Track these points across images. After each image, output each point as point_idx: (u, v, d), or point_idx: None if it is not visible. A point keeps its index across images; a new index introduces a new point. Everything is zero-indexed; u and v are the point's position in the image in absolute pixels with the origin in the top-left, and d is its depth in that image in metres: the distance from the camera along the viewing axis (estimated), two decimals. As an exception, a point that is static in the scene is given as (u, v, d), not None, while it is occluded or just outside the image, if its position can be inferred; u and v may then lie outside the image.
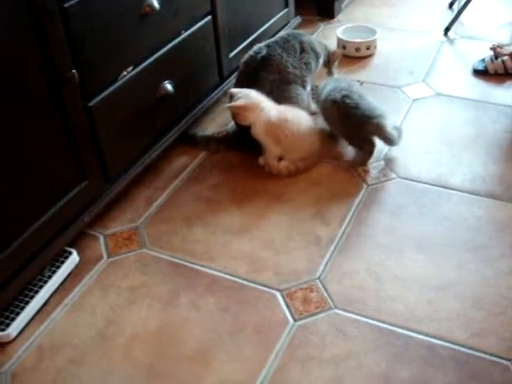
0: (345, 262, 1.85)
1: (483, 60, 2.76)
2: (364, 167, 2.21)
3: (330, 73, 2.56)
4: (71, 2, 1.65)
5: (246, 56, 2.31)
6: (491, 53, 2.76)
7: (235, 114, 2.18)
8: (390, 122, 2.18)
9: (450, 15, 3.16)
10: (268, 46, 2.28)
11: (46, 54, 1.62)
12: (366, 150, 2.21)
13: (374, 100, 2.23)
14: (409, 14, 3.33)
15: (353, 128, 2.19)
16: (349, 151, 2.27)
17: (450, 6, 3.36)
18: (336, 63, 2.57)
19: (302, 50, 2.34)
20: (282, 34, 2.44)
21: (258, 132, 2.14)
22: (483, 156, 2.23)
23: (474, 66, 2.76)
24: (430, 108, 2.52)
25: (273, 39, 2.34)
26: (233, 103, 2.13)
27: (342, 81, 2.32)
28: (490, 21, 3.20)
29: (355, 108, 2.15)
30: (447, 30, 3.08)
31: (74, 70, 1.69)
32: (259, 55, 2.26)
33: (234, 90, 2.17)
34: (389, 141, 2.18)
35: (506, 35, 3.06)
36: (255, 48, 2.31)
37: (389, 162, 2.23)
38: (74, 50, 1.70)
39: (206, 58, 2.36)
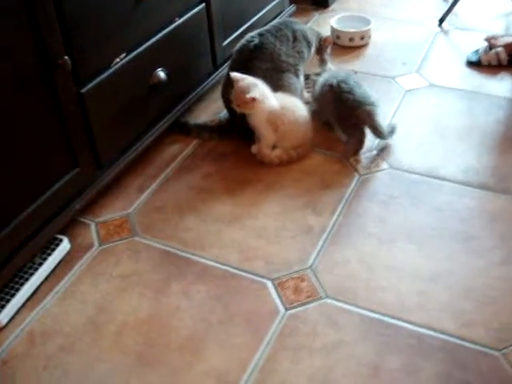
0: (336, 252, 1.85)
1: (477, 51, 2.76)
2: (356, 157, 2.21)
3: (322, 60, 2.55)
4: (64, -12, 1.64)
5: (239, 44, 2.30)
6: (485, 44, 2.76)
7: (241, 102, 2.10)
8: (382, 117, 2.19)
9: (445, 6, 3.15)
10: (261, 35, 2.27)
11: (39, 39, 1.60)
12: (356, 138, 2.21)
13: (371, 91, 2.23)
14: (403, 5, 3.33)
15: (344, 112, 2.19)
16: (341, 141, 2.27)
17: (445, -4, 3.36)
18: (328, 50, 2.56)
19: (295, 39, 2.33)
20: (274, 22, 2.42)
21: (259, 121, 2.13)
22: (476, 147, 2.23)
23: (467, 57, 2.76)
24: (424, 99, 2.52)
25: (265, 28, 2.33)
26: (251, 95, 2.06)
27: (340, 71, 2.35)
28: (484, 12, 3.20)
29: (349, 93, 2.16)
30: (441, 20, 3.08)
31: (66, 57, 1.68)
32: (252, 44, 2.25)
33: (237, 76, 2.11)
34: (377, 132, 2.18)
35: (500, 26, 3.06)
36: (247, 37, 2.29)
37: (381, 152, 2.23)
38: (66, 36, 1.69)
39: (200, 46, 2.35)
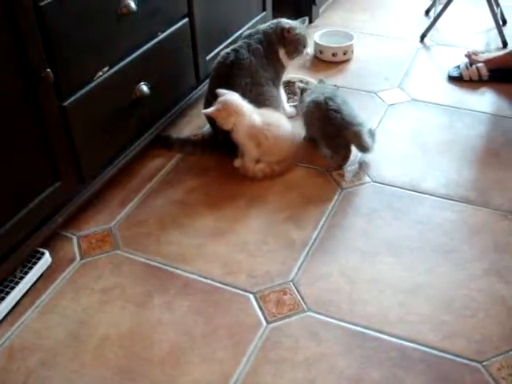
0: (318, 265, 1.85)
1: (458, 67, 2.79)
2: (338, 171, 2.22)
3: (290, 57, 2.39)
4: (47, 1, 1.64)
5: (215, 62, 2.32)
6: (466, 60, 2.79)
7: (215, 118, 2.14)
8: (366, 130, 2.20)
9: (427, 22, 3.20)
10: (235, 51, 2.27)
11: (21, 52, 1.60)
12: (342, 154, 2.23)
13: (354, 107, 2.24)
14: (386, 20, 3.36)
15: (331, 132, 2.19)
16: (324, 156, 2.28)
17: (427, 12, 3.40)
18: (307, 59, 2.55)
19: (265, 51, 2.32)
20: (244, 36, 2.39)
21: (240, 136, 2.14)
22: (457, 161, 2.25)
23: (449, 73, 2.79)
24: (405, 113, 2.54)
25: (238, 44, 2.33)
26: (207, 110, 2.14)
27: (326, 87, 2.34)
28: (465, 28, 3.24)
29: (336, 111, 2.17)
30: (423, 36, 3.12)
31: (48, 70, 1.68)
32: (228, 60, 2.25)
33: (219, 91, 2.15)
34: (364, 149, 2.19)
35: (480, 42, 3.09)
36: (223, 53, 2.30)
37: (363, 165, 2.24)
38: (49, 49, 1.69)
39: (183, 60, 2.36)
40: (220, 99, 2.12)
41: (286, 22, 2.38)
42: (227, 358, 1.60)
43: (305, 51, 2.42)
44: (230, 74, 2.24)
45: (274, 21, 2.41)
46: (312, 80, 2.66)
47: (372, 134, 2.24)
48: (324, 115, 2.19)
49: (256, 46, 2.30)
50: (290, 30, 2.34)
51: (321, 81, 2.41)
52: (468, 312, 1.69)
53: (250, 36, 2.35)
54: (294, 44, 2.36)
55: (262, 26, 2.41)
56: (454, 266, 1.83)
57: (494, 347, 1.59)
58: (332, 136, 2.20)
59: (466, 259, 1.85)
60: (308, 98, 2.28)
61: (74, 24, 1.76)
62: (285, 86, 2.61)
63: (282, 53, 2.37)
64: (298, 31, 2.36)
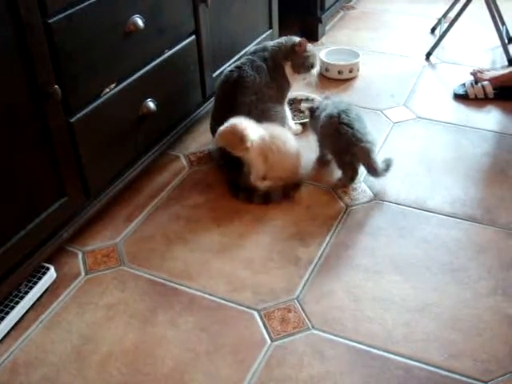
0: (323, 283, 1.85)
1: (464, 84, 2.79)
2: (344, 189, 2.21)
3: (296, 71, 2.38)
4: (55, 18, 1.65)
5: (219, 82, 2.33)
6: (471, 78, 2.80)
7: (236, 150, 2.12)
8: (379, 155, 2.18)
9: (432, 40, 3.21)
10: (239, 68, 2.28)
11: (29, 68, 1.61)
12: (348, 174, 2.22)
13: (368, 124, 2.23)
14: (391, 38, 3.37)
15: (341, 147, 2.17)
16: (330, 174, 2.27)
17: (432, 30, 3.41)
18: (314, 81, 2.48)
19: (269, 69, 2.31)
20: (248, 53, 2.39)
21: (252, 155, 2.14)
22: (463, 179, 2.25)
23: (454, 91, 2.79)
24: (411, 131, 2.55)
25: (241, 61, 2.33)
26: (245, 145, 2.09)
27: (342, 101, 2.31)
28: (470, 46, 3.25)
29: (347, 125, 2.14)
30: (429, 54, 3.12)
31: (56, 86, 1.69)
32: (232, 78, 2.26)
33: (225, 129, 2.12)
34: (373, 170, 2.15)
35: (486, 60, 3.10)
36: (226, 72, 2.31)
37: (368, 183, 2.24)
38: (57, 66, 1.70)
39: (190, 77, 2.37)
40: (225, 124, 2.11)
41: (294, 38, 2.40)
42: (231, 375, 1.59)
43: (312, 71, 2.41)
44: (234, 93, 2.24)
45: (285, 37, 2.42)
46: (318, 97, 2.67)
47: (389, 162, 2.17)
48: (335, 129, 2.17)
49: (259, 63, 2.30)
50: (301, 43, 2.35)
51: (326, 97, 2.41)
52: (474, 331, 1.68)
53: (254, 53, 2.35)
54: (303, 59, 2.36)
55: (270, 43, 2.41)
56: (459, 285, 1.82)
57: (500, 367, 1.58)
58: (342, 152, 2.19)
59: (472, 278, 1.85)
60: (323, 114, 2.26)
61: (82, 41, 1.78)
62: (290, 104, 2.61)
63: (287, 68, 2.36)
64: (309, 48, 2.38)
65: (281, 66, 2.35)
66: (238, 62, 2.33)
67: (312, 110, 2.34)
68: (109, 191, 2.06)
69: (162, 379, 1.59)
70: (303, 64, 2.37)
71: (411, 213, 2.10)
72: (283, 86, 2.38)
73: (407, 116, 2.65)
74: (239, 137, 2.07)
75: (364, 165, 2.18)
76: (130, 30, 1.94)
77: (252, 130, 2.11)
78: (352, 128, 2.15)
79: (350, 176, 2.22)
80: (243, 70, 2.27)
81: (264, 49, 2.37)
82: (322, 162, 2.35)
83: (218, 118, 2.22)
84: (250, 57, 2.34)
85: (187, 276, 1.89)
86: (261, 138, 2.13)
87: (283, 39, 2.41)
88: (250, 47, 2.70)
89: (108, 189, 2.06)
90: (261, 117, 2.22)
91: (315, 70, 2.44)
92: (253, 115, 2.19)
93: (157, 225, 2.10)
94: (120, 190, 2.11)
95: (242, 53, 2.65)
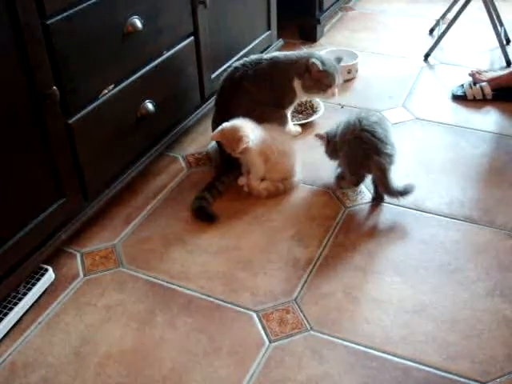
0: (322, 284, 1.85)
1: (462, 86, 2.80)
2: (342, 190, 2.21)
3: (306, 91, 2.29)
4: (54, 19, 1.66)
5: (222, 78, 2.33)
6: (470, 79, 2.80)
7: (235, 150, 2.10)
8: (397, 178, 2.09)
9: (431, 41, 3.21)
10: (243, 66, 2.27)
11: (27, 69, 1.62)
12: (354, 180, 2.16)
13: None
14: (390, 39, 3.37)
15: (357, 156, 2.07)
16: (328, 175, 2.28)
17: (431, 32, 3.41)
18: (335, 93, 2.32)
19: (273, 73, 2.27)
20: (257, 55, 2.36)
21: (253, 156, 2.14)
22: (461, 180, 2.25)
23: (452, 92, 2.80)
24: (409, 132, 2.55)
25: (246, 59, 2.30)
26: (242, 146, 2.07)
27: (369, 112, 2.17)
28: (469, 47, 3.25)
29: (369, 132, 2.04)
30: (427, 55, 3.12)
31: (54, 87, 1.69)
32: (235, 76, 2.26)
33: (224, 129, 2.11)
34: (388, 188, 2.05)
35: (484, 61, 3.10)
36: (230, 69, 2.30)
37: (367, 184, 2.23)
38: (55, 67, 1.70)
39: (188, 79, 2.37)
40: (227, 124, 2.12)
41: (318, 57, 2.26)
42: (230, 376, 1.59)
43: (330, 91, 2.29)
44: (235, 91, 2.25)
45: (308, 51, 2.33)
46: (317, 99, 2.67)
47: (409, 188, 2.05)
48: (356, 136, 2.06)
49: (262, 66, 2.26)
50: (313, 65, 2.22)
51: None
52: (472, 332, 1.68)
53: (261, 57, 2.31)
54: (315, 81, 2.25)
55: (286, 53, 2.35)
56: (457, 286, 1.82)
57: (498, 368, 1.58)
58: (356, 163, 2.10)
59: (470, 279, 1.85)
60: (340, 127, 2.16)
61: (81, 42, 1.78)
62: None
63: (296, 83, 2.27)
64: (323, 68, 2.23)
65: (289, 77, 2.27)
66: (243, 60, 2.30)
67: (328, 139, 2.21)
68: (107, 192, 2.06)
69: (160, 380, 1.59)
70: (315, 86, 2.27)
71: (409, 214, 2.10)
72: (287, 94, 2.30)
73: (405, 117, 2.65)
74: (237, 138, 2.07)
75: (378, 178, 2.08)
76: (129, 31, 1.94)
77: (251, 132, 2.11)
78: (374, 136, 2.04)
79: (356, 182, 2.17)
80: (247, 69, 2.25)
81: (274, 57, 2.31)
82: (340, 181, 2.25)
83: (219, 113, 2.25)
84: (256, 58, 2.30)
85: (185, 277, 1.89)
86: (261, 140, 2.13)
87: (307, 52, 2.32)
88: (249, 48, 2.71)
89: (106, 190, 2.06)
90: (260, 118, 2.21)
91: (335, 90, 2.31)
92: (252, 116, 2.18)
93: (155, 226, 2.10)
94: (118, 192, 2.11)
95: (241, 54, 2.66)
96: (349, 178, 2.18)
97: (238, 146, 2.07)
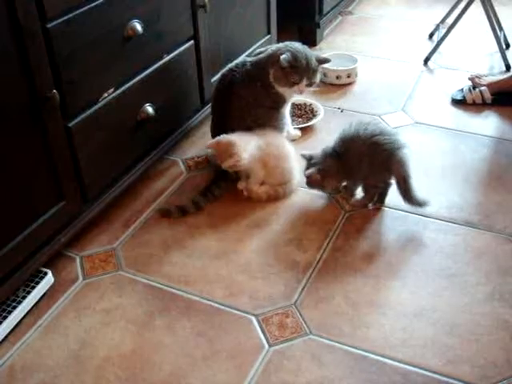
0: (321, 288, 1.85)
1: (461, 90, 2.80)
2: (342, 194, 2.21)
3: (278, 84, 2.22)
4: (54, 23, 1.66)
5: (216, 82, 2.33)
6: (469, 83, 2.80)
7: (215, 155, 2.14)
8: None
9: (430, 45, 3.21)
10: (232, 71, 2.26)
11: (27, 73, 1.62)
12: (370, 195, 2.15)
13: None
14: (390, 44, 3.38)
15: (382, 159, 2.04)
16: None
17: (430, 36, 3.42)
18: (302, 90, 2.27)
19: (256, 73, 2.24)
20: (246, 56, 2.37)
21: (251, 162, 2.15)
22: (460, 184, 2.25)
23: (452, 96, 2.80)
24: (409, 136, 2.54)
25: (235, 63, 2.29)
26: (232, 162, 2.10)
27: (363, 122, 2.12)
28: (468, 52, 3.25)
29: (380, 135, 2.04)
30: (427, 59, 3.13)
31: (54, 90, 1.69)
32: (225, 81, 2.25)
33: (215, 143, 2.14)
34: (408, 190, 2.04)
35: (484, 66, 3.10)
36: (220, 75, 2.30)
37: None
38: (55, 71, 1.70)
39: (188, 82, 2.37)
40: (219, 138, 2.14)
41: (293, 52, 2.20)
42: (229, 380, 1.59)
43: (296, 87, 2.23)
44: (228, 95, 2.24)
45: (289, 44, 2.26)
46: (317, 103, 2.67)
47: (425, 201, 2.05)
48: (370, 143, 2.03)
49: (248, 67, 2.25)
50: (279, 60, 2.17)
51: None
52: (472, 336, 1.68)
53: (244, 59, 2.30)
54: (282, 74, 2.20)
55: (273, 46, 2.33)
56: (457, 290, 1.82)
57: (497, 372, 1.58)
58: (377, 168, 2.07)
59: (470, 283, 1.85)
60: (328, 148, 2.13)
61: (81, 46, 1.78)
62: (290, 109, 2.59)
63: (271, 74, 2.22)
64: (287, 65, 2.16)
65: (267, 72, 2.22)
66: (232, 64, 2.29)
67: (308, 160, 2.17)
68: (107, 196, 2.06)
69: (160, 384, 1.59)
70: (282, 79, 2.21)
71: (409, 218, 2.11)
72: (269, 91, 2.25)
73: (405, 121, 2.65)
74: (229, 153, 2.09)
75: (400, 181, 2.05)
76: (129, 34, 1.94)
77: (244, 151, 2.11)
78: (383, 135, 2.03)
79: (371, 196, 2.15)
80: (235, 73, 2.24)
81: (257, 54, 2.32)
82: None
83: (215, 122, 2.28)
84: (241, 61, 2.30)
85: (184, 281, 1.89)
86: (257, 148, 2.14)
87: (283, 45, 2.28)
88: (248, 52, 2.71)
89: (106, 194, 2.06)
90: (255, 123, 2.22)
91: (302, 87, 2.25)
92: (246, 120, 2.19)
93: (155, 230, 2.09)
94: (118, 195, 2.11)
95: (241, 58, 2.65)
96: (363, 197, 2.16)
97: (227, 161, 2.09)
